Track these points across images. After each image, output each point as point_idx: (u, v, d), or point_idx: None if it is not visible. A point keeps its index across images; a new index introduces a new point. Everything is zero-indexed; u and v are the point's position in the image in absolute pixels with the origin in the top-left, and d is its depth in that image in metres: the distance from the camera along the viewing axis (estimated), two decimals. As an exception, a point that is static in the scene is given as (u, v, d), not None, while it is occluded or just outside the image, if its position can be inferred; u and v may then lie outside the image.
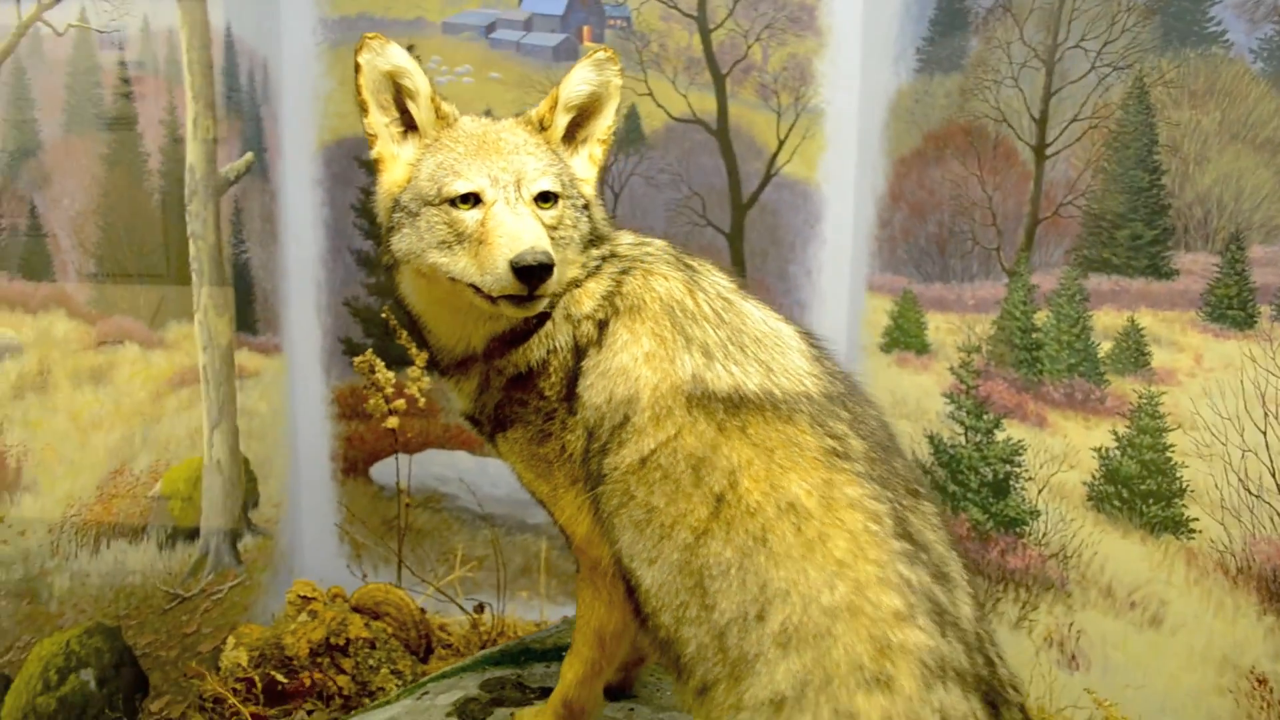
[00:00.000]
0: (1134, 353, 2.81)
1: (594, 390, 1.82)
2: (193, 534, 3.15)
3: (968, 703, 1.55)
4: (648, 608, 1.76)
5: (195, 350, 3.11)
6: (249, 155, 3.43)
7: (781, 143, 3.69)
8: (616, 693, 2.46)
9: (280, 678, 3.11)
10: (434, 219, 1.82)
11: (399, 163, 1.94)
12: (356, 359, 3.44)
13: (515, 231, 1.73)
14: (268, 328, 3.61)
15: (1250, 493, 2.54)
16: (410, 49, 3.72)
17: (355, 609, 3.29)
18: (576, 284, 1.91)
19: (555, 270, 1.72)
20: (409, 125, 1.96)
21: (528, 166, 1.84)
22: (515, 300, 1.74)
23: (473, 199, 1.80)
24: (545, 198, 1.84)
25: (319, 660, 3.13)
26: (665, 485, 1.73)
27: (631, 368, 1.80)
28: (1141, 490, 2.80)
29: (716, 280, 1.94)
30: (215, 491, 3.26)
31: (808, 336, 1.93)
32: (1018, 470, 3.16)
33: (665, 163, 3.70)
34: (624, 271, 1.93)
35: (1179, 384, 2.71)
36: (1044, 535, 3.08)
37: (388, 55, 1.90)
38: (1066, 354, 2.99)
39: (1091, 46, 2.85)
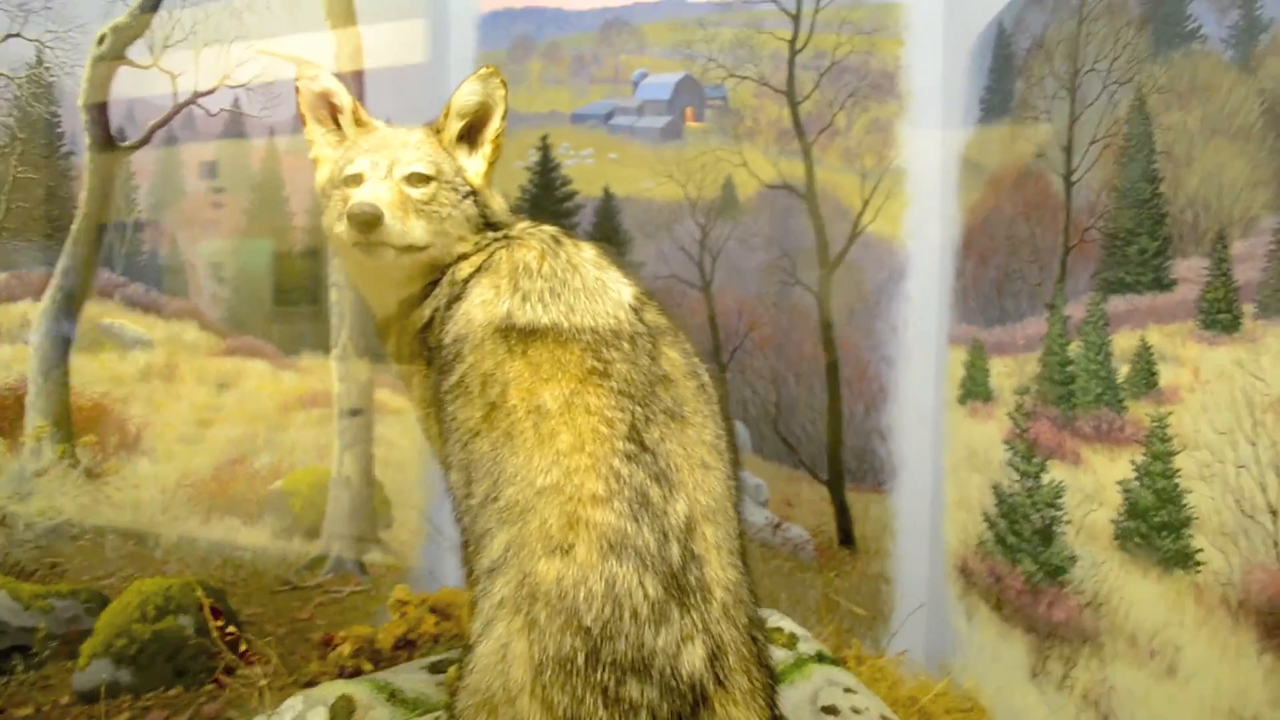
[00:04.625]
0: (1145, 374, 2.62)
1: (448, 333, 2.15)
2: (313, 533, 3.70)
3: (639, 577, 1.64)
4: (453, 507, 2.02)
5: (329, 378, 3.73)
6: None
7: (866, 203, 3.80)
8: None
9: (367, 666, 3.51)
10: (337, 197, 2.27)
11: (327, 162, 2.41)
12: None
13: (360, 192, 2.13)
14: (413, 374, 4.20)
15: (1244, 514, 2.27)
16: (544, 138, 4.30)
17: (432, 609, 3.65)
18: (465, 257, 2.27)
19: (390, 224, 2.10)
20: (341, 135, 2.45)
21: (403, 154, 2.24)
22: (360, 246, 2.13)
23: (358, 179, 2.23)
24: (416, 178, 2.22)
25: (398, 653, 3.51)
26: (464, 398, 2.00)
27: (470, 311, 2.11)
28: (1156, 523, 2.55)
29: (577, 253, 2.21)
30: (341, 503, 3.81)
31: (644, 295, 2.13)
32: (1060, 514, 2.95)
33: (758, 227, 3.94)
34: (503, 246, 2.26)
35: (1182, 401, 2.50)
36: (1082, 583, 2.84)
37: (319, 79, 2.40)
38: (1094, 384, 2.82)
39: (1102, 67, 2.80)
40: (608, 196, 4.12)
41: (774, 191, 3.93)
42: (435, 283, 2.26)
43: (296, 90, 2.43)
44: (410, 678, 2.73)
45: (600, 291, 2.10)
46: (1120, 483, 2.69)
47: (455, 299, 2.20)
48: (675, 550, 1.71)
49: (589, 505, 1.72)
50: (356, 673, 3.51)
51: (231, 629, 3.21)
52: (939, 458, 3.68)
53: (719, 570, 1.75)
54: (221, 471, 3.35)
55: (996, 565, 3.24)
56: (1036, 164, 3.09)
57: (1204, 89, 2.44)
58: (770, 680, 1.80)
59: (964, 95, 3.50)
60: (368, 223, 2.09)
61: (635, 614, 1.63)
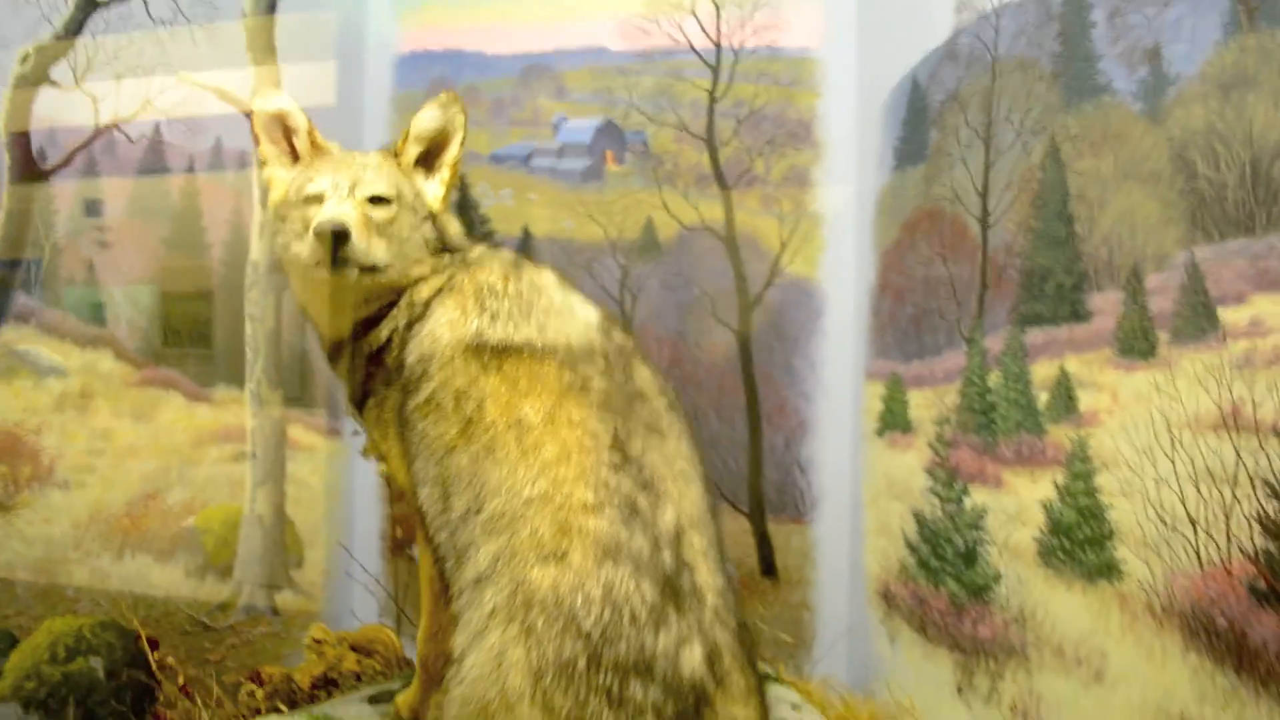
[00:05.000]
0: (1065, 399, 2.82)
1: (410, 352, 2.17)
2: (225, 572, 3.57)
3: (635, 582, 1.69)
4: (425, 527, 2.02)
5: (243, 413, 3.63)
6: (317, 264, 4.04)
7: (784, 245, 3.97)
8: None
9: (283, 708, 3.39)
10: (294, 217, 2.26)
11: (281, 183, 2.40)
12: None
13: (325, 210, 2.14)
14: (328, 411, 4.12)
15: (1166, 524, 2.47)
16: (462, 178, 4.33)
17: (352, 647, 3.56)
18: (423, 279, 2.29)
19: (357, 243, 2.12)
20: (295, 155, 2.44)
21: (365, 175, 2.26)
22: (324, 265, 2.12)
23: (319, 198, 2.23)
24: (377, 200, 2.24)
25: (316, 692, 3.40)
26: (435, 414, 2.03)
27: (436, 330, 2.15)
28: (1079, 538, 2.73)
29: (538, 276, 2.26)
30: (254, 542, 3.69)
31: (608, 317, 2.20)
32: (983, 535, 3.12)
33: (678, 267, 4.05)
34: (462, 269, 2.29)
35: (1101, 424, 2.70)
36: (1006, 599, 3.00)
37: (273, 101, 2.40)
38: (1014, 412, 3.01)
39: (1015, 118, 3.03)
40: (527, 236, 4.17)
41: (694, 233, 4.06)
42: (391, 305, 2.28)
43: (250, 111, 2.42)
44: (348, 711, 2.67)
45: (568, 312, 2.17)
46: (1042, 502, 2.87)
47: (416, 320, 2.22)
48: (668, 556, 1.76)
49: (580, 513, 1.77)
50: (275, 713, 3.39)
51: (171, 660, 3.07)
52: (858, 488, 3.83)
53: (708, 576, 1.81)
54: (134, 506, 3.22)
55: (919, 588, 3.38)
56: (952, 208, 3.30)
57: (1115, 137, 2.67)
58: (759, 681, 1.86)
59: (878, 145, 3.72)
60: (337, 237, 2.09)
61: (634, 617, 1.68)
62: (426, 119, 2.41)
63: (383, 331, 2.26)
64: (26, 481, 2.87)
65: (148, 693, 3.27)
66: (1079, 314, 2.79)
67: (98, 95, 3.11)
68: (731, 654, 1.79)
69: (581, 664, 1.63)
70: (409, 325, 2.22)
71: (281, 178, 2.42)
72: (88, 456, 3.04)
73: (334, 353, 2.39)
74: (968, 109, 3.25)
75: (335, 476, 4.15)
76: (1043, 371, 2.92)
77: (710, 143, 4.04)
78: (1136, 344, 2.59)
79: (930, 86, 3.47)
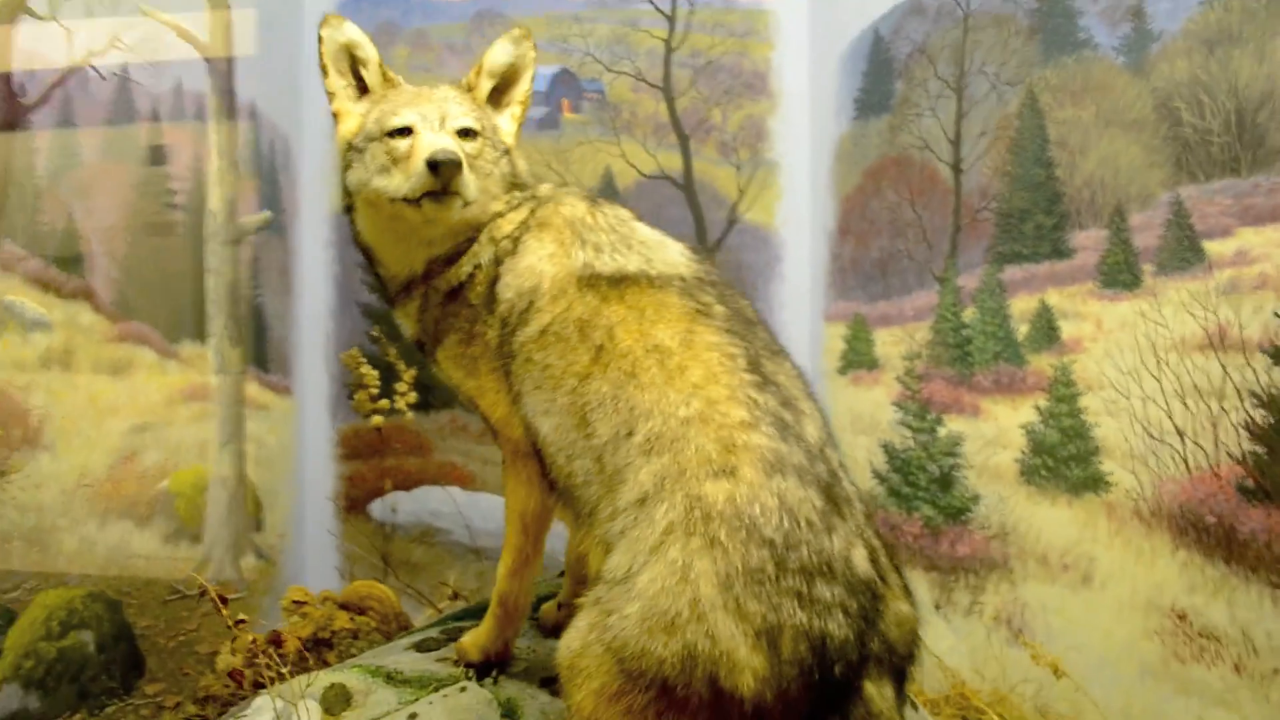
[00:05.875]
0: (1046, 330, 3.07)
1: (508, 287, 2.16)
2: (197, 537, 3.43)
3: (804, 490, 1.79)
4: (548, 458, 2.04)
5: (207, 370, 3.47)
6: (266, 213, 3.89)
7: (742, 193, 4.09)
8: (561, 630, 2.66)
9: (270, 672, 3.30)
10: (377, 150, 2.21)
11: (353, 115, 2.34)
12: (343, 355, 3.76)
13: (432, 141, 2.12)
14: (279, 369, 3.98)
15: (1153, 437, 2.74)
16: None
17: (342, 606, 3.50)
18: (500, 215, 2.28)
19: (466, 175, 2.10)
20: (362, 88, 2.38)
21: (451, 109, 2.23)
22: (434, 196, 2.10)
23: (406, 131, 2.19)
24: (466, 133, 2.22)
25: (306, 654, 3.33)
26: (558, 345, 2.04)
27: (536, 265, 2.15)
28: (1063, 456, 3.00)
29: (618, 210, 2.30)
30: (220, 505, 3.55)
31: (693, 249, 2.26)
32: (959, 461, 3.36)
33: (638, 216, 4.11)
34: (540, 205, 2.29)
35: (1085, 351, 2.96)
36: (986, 518, 3.26)
37: (344, 30, 2.34)
38: (992, 344, 3.25)
39: (990, 70, 3.24)
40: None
41: (653, 182, 4.12)
42: (469, 241, 2.26)
43: (320, 40, 2.33)
44: (398, 659, 2.65)
45: (660, 243, 2.22)
46: (1024, 426, 3.13)
47: (506, 255, 2.21)
48: (821, 467, 1.86)
49: (740, 430, 1.83)
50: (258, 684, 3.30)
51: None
52: (822, 424, 4.02)
53: (848, 486, 1.92)
54: (115, 470, 3.05)
55: (890, 516, 3.61)
56: (922, 155, 3.50)
57: (1097, 88, 2.92)
58: (906, 580, 1.96)
59: (836, 95, 3.88)
60: (452, 168, 2.06)
61: (810, 523, 1.76)
62: (500, 53, 2.39)
63: (464, 267, 2.23)
64: (18, 444, 2.68)
65: (135, 666, 3.12)
66: (1060, 251, 3.03)
67: (71, 29, 2.90)
68: (885, 555, 1.90)
69: (770, 569, 1.70)
70: (496, 260, 2.21)
71: (352, 110, 2.35)
72: (73, 417, 2.86)
73: (403, 292, 2.35)
74: (937, 61, 3.44)
75: (289, 436, 4.03)
76: (1022, 305, 3.16)
77: (667, 92, 4.11)
78: (1120, 276, 2.85)
79: (894, 40, 3.65)
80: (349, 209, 2.38)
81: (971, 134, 3.32)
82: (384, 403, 3.73)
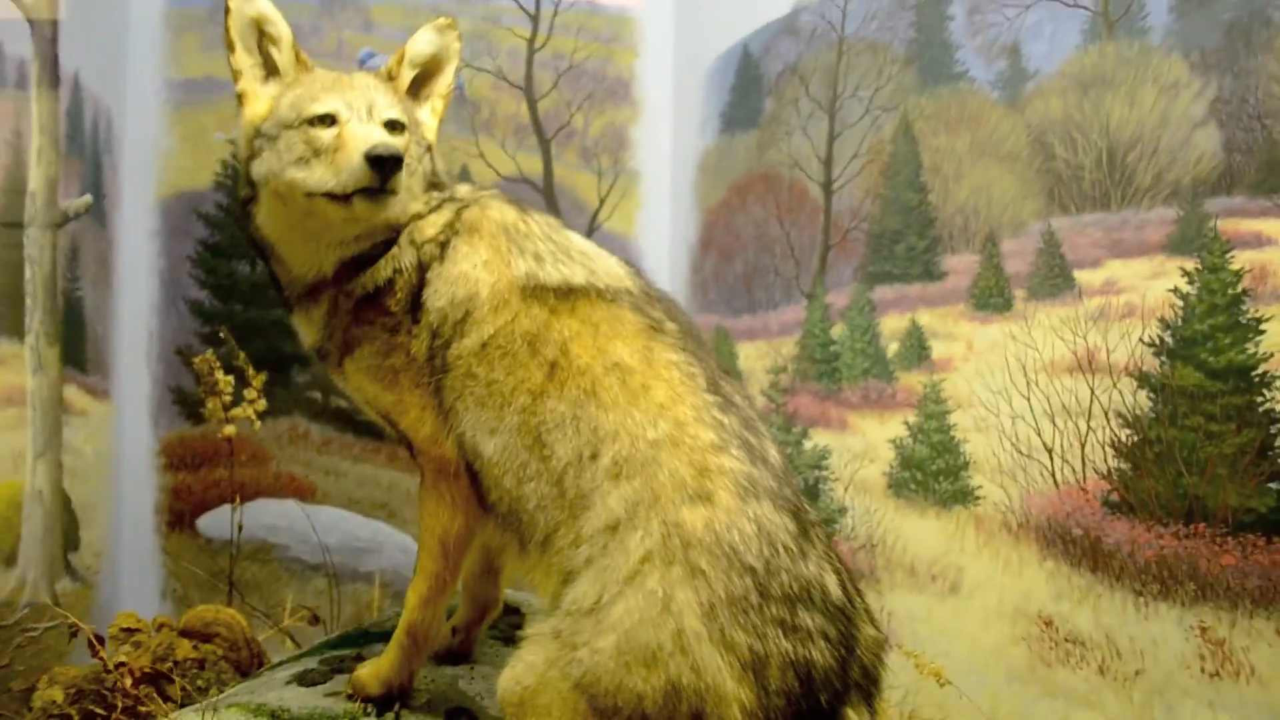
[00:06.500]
0: (916, 349, 3.19)
1: (438, 295, 2.01)
2: (11, 558, 3.00)
3: (778, 515, 1.75)
4: (490, 480, 1.91)
5: (23, 371, 3.05)
6: (88, 197, 3.46)
7: (602, 201, 4.03)
8: (457, 657, 2.50)
9: (99, 710, 2.93)
10: (293, 139, 2.00)
11: (261, 98, 2.11)
12: (196, 359, 3.41)
13: (368, 133, 1.95)
14: (97, 370, 3.56)
15: (1022, 454, 2.90)
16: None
17: (183, 633, 3.16)
18: (420, 216, 2.12)
19: (404, 175, 1.93)
20: (270, 69, 2.15)
21: (378, 99, 2.06)
22: (369, 194, 1.92)
23: (329, 119, 1.99)
24: (393, 125, 2.05)
25: (143, 688, 2.98)
26: (505, 360, 1.92)
27: (470, 272, 2.01)
28: (932, 470, 3.12)
29: (547, 217, 2.19)
30: (35, 523, 3.13)
31: (625, 261, 2.19)
32: (826, 473, 3.44)
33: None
34: (463, 207, 2.15)
35: (955, 370, 3.09)
36: (853, 530, 3.35)
37: (255, 4, 2.11)
38: (860, 360, 3.35)
39: (865, 95, 3.34)
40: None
41: (512, 184, 3.99)
42: (385, 243, 2.08)
43: (227, 11, 2.08)
44: (281, 695, 2.40)
45: (598, 254, 2.13)
46: (892, 441, 3.24)
47: (432, 260, 2.06)
48: (788, 490, 1.83)
49: (711, 453, 1.78)
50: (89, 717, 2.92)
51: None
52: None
53: (809, 507, 1.90)
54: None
55: (752, 527, 3.64)
56: (791, 173, 3.56)
57: (973, 119, 3.06)
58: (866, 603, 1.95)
59: (701, 108, 3.89)
60: (395, 165, 1.89)
61: (787, 548, 1.73)
62: (423, 43, 2.22)
63: (382, 271, 2.05)
64: None
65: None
66: (932, 273, 3.16)
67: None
68: (850, 579, 1.88)
69: (754, 598, 1.64)
70: (421, 266, 2.04)
71: (261, 93, 2.11)
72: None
73: (307, 296, 2.12)
74: (809, 82, 3.51)
75: (106, 445, 3.60)
76: (893, 324, 3.27)
77: (529, 93, 3.99)
78: (992, 299, 3.00)
79: (765, 57, 3.69)
80: (248, 200, 2.14)
81: (844, 155, 3.41)
82: (237, 411, 3.40)
